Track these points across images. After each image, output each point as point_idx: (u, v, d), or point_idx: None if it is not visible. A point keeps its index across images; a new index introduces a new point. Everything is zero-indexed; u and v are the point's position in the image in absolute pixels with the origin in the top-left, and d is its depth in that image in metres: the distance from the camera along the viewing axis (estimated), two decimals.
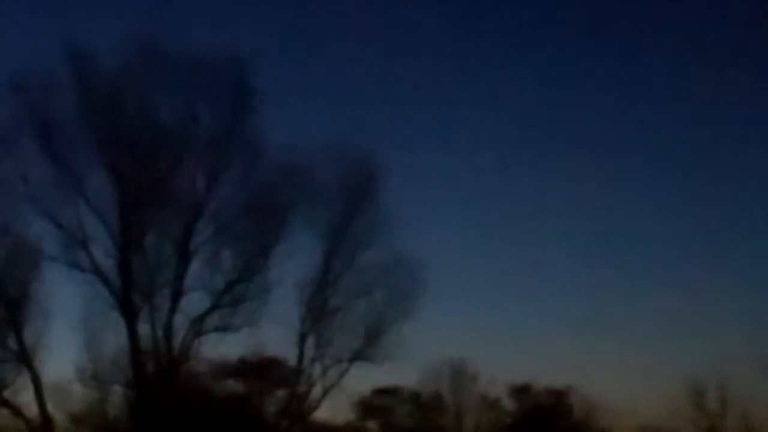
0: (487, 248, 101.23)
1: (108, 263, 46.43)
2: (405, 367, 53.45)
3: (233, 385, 56.01)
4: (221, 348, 49.08)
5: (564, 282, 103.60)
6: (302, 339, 49.01)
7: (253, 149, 47.83)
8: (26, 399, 46.76)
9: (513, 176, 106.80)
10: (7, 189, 46.42)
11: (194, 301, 47.30)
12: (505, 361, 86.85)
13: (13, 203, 46.60)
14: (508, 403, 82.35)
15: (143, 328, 46.32)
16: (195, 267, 47.51)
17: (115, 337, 47.02)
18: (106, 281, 46.36)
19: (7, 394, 46.70)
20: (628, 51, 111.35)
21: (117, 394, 49.17)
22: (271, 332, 48.65)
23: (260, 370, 56.98)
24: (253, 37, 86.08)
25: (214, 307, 47.37)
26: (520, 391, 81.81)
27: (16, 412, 46.86)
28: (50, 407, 46.62)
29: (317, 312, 49.23)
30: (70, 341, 47.90)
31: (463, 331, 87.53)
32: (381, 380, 71.33)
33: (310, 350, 49.26)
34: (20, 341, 46.19)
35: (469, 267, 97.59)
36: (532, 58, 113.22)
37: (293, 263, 48.56)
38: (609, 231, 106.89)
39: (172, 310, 46.68)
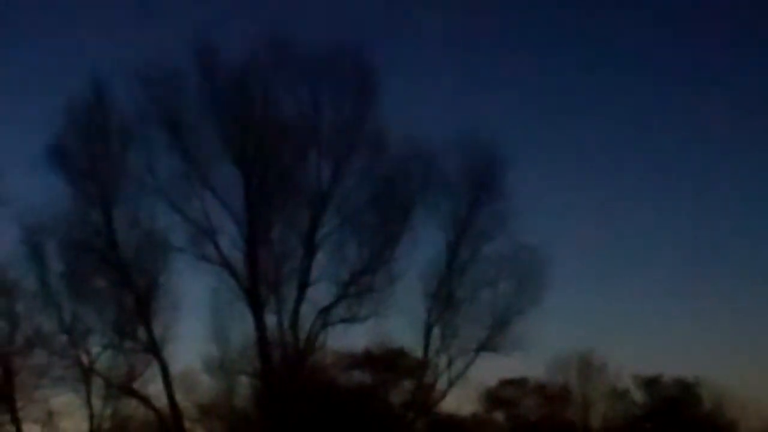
0: (615, 237, 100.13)
1: (235, 255, 46.92)
2: (532, 357, 52.89)
3: (359, 376, 56.20)
4: (347, 339, 49.21)
5: (693, 272, 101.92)
6: (428, 330, 48.80)
7: (377, 140, 47.85)
8: (155, 389, 47.68)
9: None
10: (136, 182, 47.31)
11: (320, 292, 47.51)
12: (633, 352, 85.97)
13: (141, 196, 47.45)
14: (637, 395, 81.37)
15: (270, 319, 46.76)
16: (320, 258, 47.73)
17: (241, 328, 47.37)
18: (233, 273, 46.75)
19: (136, 384, 47.71)
20: None
21: (244, 384, 49.53)
22: (397, 323, 48.70)
23: (386, 361, 57.03)
24: (377, 28, 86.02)
25: (339, 298, 47.48)
26: (649, 383, 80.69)
27: (145, 401, 47.77)
28: (178, 397, 47.26)
29: (443, 303, 48.97)
30: (198, 332, 48.45)
31: (590, 322, 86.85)
32: (507, 371, 70.94)
33: (435, 341, 49.03)
34: (149, 332, 46.86)
35: (597, 256, 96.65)
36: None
37: (418, 254, 48.55)
38: (739, 221, 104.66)
39: (299, 301, 46.90)
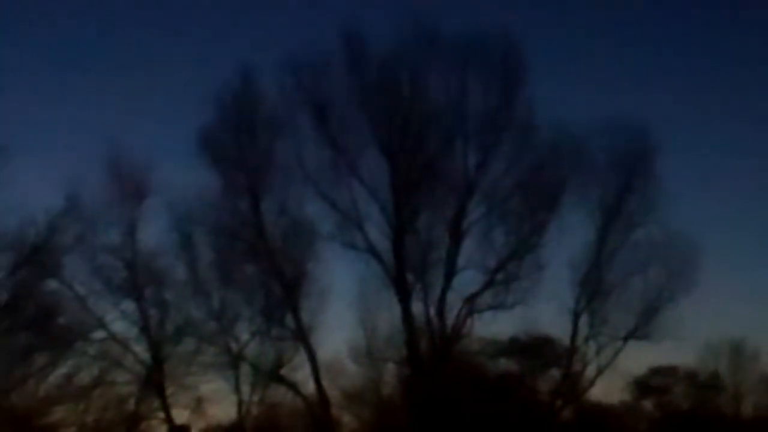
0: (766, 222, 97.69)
1: (382, 243, 46.99)
2: (682, 345, 51.97)
3: (505, 364, 55.82)
4: (493, 326, 48.79)
5: None
6: (576, 317, 48.27)
7: (524, 126, 47.37)
8: (303, 376, 47.95)
9: None
10: (284, 170, 47.61)
11: (467, 280, 47.28)
12: None
13: (289, 184, 47.76)
14: None
15: (416, 307, 46.66)
16: (467, 246, 47.46)
17: (388, 316, 47.53)
18: (380, 260, 46.85)
19: (284, 371, 47.99)
20: None
21: (390, 372, 49.64)
22: (544, 310, 48.18)
23: (533, 349, 56.53)
24: (524, 11, 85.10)
25: (486, 286, 47.14)
26: None
27: (293, 388, 48.06)
28: (325, 384, 47.46)
29: (591, 290, 48.43)
30: (345, 320, 48.65)
31: (742, 309, 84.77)
32: (657, 359, 69.74)
33: (584, 329, 48.54)
34: (297, 319, 47.22)
35: (750, 243, 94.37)
36: None
37: (566, 241, 47.92)
38: None
39: (445, 288, 46.71)
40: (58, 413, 41.84)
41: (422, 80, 46.66)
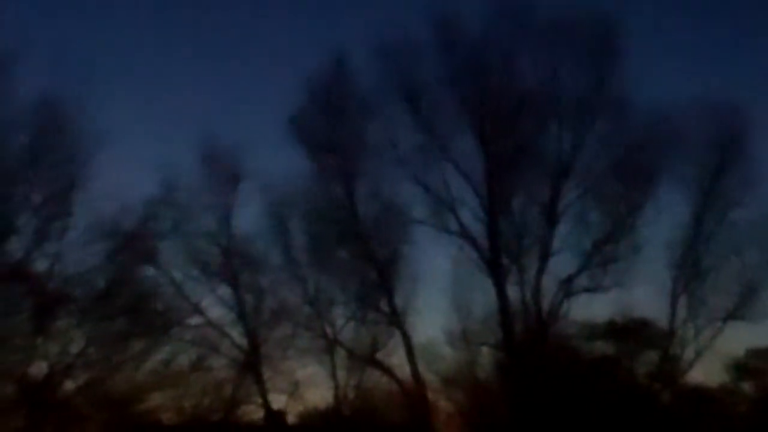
0: None
1: (476, 226, 46.91)
2: None
3: (602, 347, 55.13)
4: (589, 309, 48.38)
5: None
6: (674, 300, 47.63)
7: (619, 108, 46.76)
8: (398, 360, 47.98)
9: None
10: (376, 154, 47.71)
11: (562, 263, 46.98)
12: None
13: (381, 168, 47.85)
14: None
15: (511, 290, 46.47)
16: (562, 228, 47.17)
17: (483, 299, 47.29)
18: (474, 244, 46.72)
19: (379, 355, 48.09)
20: None
21: (486, 355, 49.38)
22: (641, 293, 47.56)
23: (630, 332, 55.82)
24: None
25: (582, 268, 46.81)
26: None
27: (389, 373, 48.11)
28: (420, 369, 47.48)
29: (689, 272, 47.73)
30: (439, 304, 48.56)
31: None
32: (757, 340, 68.69)
33: (681, 311, 47.88)
34: (391, 304, 47.31)
35: None
36: None
37: (662, 222, 47.36)
38: None
39: (540, 271, 46.50)
40: (156, 399, 42.19)
41: (515, 62, 46.44)
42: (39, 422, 37.94)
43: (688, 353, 48.57)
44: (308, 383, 48.31)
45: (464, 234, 46.85)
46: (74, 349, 38.38)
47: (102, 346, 39.01)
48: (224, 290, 48.25)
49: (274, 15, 76.65)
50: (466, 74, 46.44)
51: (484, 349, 49.15)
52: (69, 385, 38.50)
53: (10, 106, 37.72)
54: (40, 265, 38.18)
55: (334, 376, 48.63)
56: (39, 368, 37.84)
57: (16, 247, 37.87)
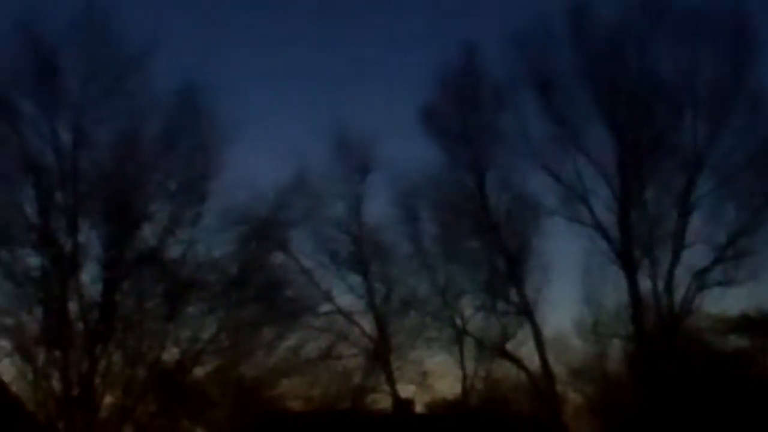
0: None
1: (607, 217, 46.31)
2: None
3: (736, 342, 54.14)
4: (723, 303, 47.60)
5: None
6: None
7: (755, 98, 45.71)
8: (527, 351, 47.89)
9: None
10: (507, 144, 47.56)
11: (695, 255, 46.10)
12: None
13: (513, 158, 47.64)
14: None
15: (643, 283, 45.82)
16: (696, 220, 46.40)
17: (614, 291, 46.80)
18: (605, 235, 46.17)
19: (509, 346, 48.01)
20: None
21: (616, 348, 48.95)
22: None
23: (764, 326, 54.82)
24: None
25: (715, 262, 45.89)
26: None
27: (518, 364, 48.02)
28: (550, 360, 47.28)
29: None
30: (570, 295, 48.28)
31: None
32: None
33: None
34: (521, 294, 47.19)
35: None
36: None
37: None
38: None
39: (673, 264, 45.71)
40: (284, 386, 42.67)
41: (649, 52, 45.63)
42: (170, 407, 38.62)
43: None
44: (436, 373, 48.48)
45: (596, 225, 46.34)
46: (205, 335, 38.85)
47: (233, 333, 39.44)
48: (354, 279, 48.82)
49: (407, 4, 76.72)
50: (600, 63, 45.92)
51: (615, 342, 48.87)
52: (199, 371, 39.01)
53: (146, 95, 38.42)
54: (173, 252, 38.85)
55: (462, 366, 48.82)
56: (171, 354, 38.44)
57: (150, 233, 38.54)
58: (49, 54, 37.28)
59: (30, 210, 37.17)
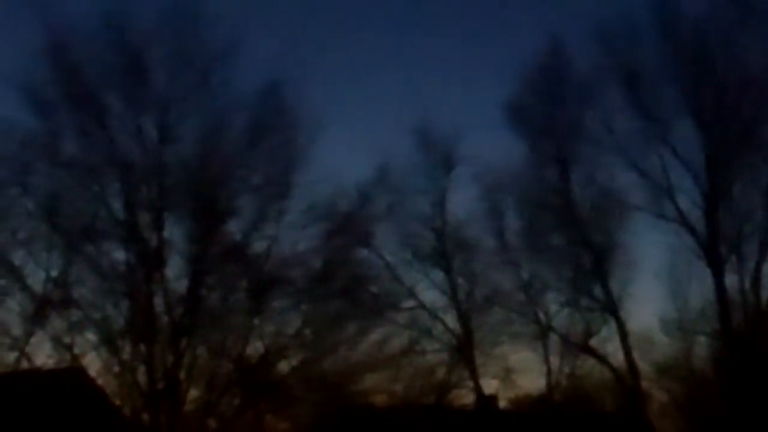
0: None
1: (694, 212, 45.90)
2: None
3: None
4: None
5: None
6: None
7: None
8: (612, 348, 47.72)
9: None
10: (593, 139, 47.20)
11: None
12: None
13: (598, 153, 47.34)
14: None
15: (730, 279, 45.37)
16: None
17: (700, 288, 46.55)
18: (692, 231, 45.70)
19: (593, 342, 47.76)
20: None
21: (702, 345, 48.54)
22: None
23: None
24: None
25: None
26: None
27: (603, 360, 47.72)
28: (635, 356, 46.97)
29: None
30: (655, 291, 47.89)
31: None
32: None
33: None
34: (606, 290, 46.94)
35: None
36: None
37: None
38: None
39: (760, 260, 45.26)
40: (368, 381, 42.57)
41: (737, 46, 45.01)
42: (254, 401, 38.83)
43: None
44: (520, 369, 48.31)
45: (682, 221, 45.89)
46: (289, 330, 39.01)
47: (317, 328, 39.51)
48: (437, 274, 48.74)
49: None
50: (687, 57, 45.43)
51: (701, 339, 48.54)
52: (284, 365, 39.15)
53: (231, 91, 38.61)
54: (258, 247, 38.96)
55: (546, 362, 48.58)
56: (255, 348, 38.63)
57: (234, 228, 38.77)
58: (136, 50, 37.55)
59: (116, 205, 37.51)
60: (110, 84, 37.80)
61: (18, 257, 37.12)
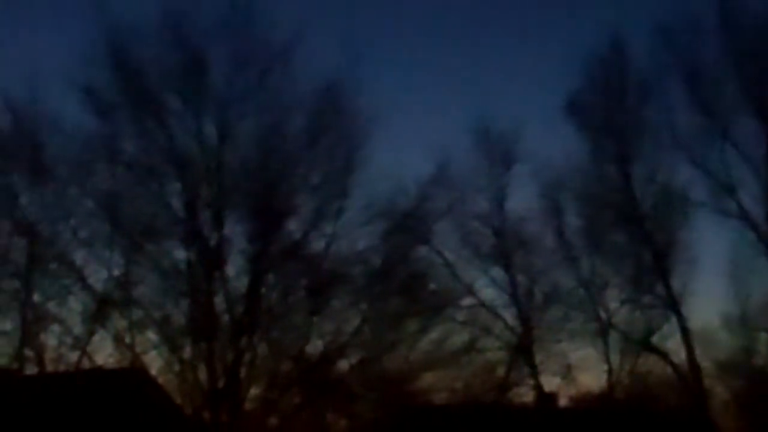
0: None
1: (756, 209, 45.68)
2: None
3: None
4: None
5: None
6: None
7: None
8: (673, 345, 47.39)
9: None
10: (654, 136, 47.02)
11: None
12: None
13: (659, 150, 47.16)
14: None
15: None
16: None
17: (763, 284, 46.55)
18: (754, 227, 45.51)
19: (654, 339, 47.38)
20: None
21: (765, 341, 47.99)
22: None
23: None
24: None
25: None
26: None
27: (665, 358, 47.36)
28: (697, 354, 46.70)
29: None
30: (717, 287, 47.51)
31: None
32: None
33: None
34: (667, 288, 46.62)
35: None
36: None
37: None
38: None
39: None
40: (427, 379, 42.64)
41: None
42: (314, 399, 38.94)
43: None
44: (581, 366, 48.02)
45: (744, 217, 45.70)
46: (349, 328, 39.07)
47: (376, 326, 39.57)
48: (497, 272, 48.63)
49: None
50: (750, 53, 44.98)
51: (763, 336, 48.02)
52: (343, 363, 39.28)
53: (290, 90, 38.73)
54: (317, 245, 39.11)
55: (607, 359, 48.23)
56: (315, 347, 38.77)
57: (294, 227, 38.88)
58: (196, 50, 37.86)
59: (176, 204, 37.90)
60: (170, 84, 38.18)
61: (79, 257, 37.79)
